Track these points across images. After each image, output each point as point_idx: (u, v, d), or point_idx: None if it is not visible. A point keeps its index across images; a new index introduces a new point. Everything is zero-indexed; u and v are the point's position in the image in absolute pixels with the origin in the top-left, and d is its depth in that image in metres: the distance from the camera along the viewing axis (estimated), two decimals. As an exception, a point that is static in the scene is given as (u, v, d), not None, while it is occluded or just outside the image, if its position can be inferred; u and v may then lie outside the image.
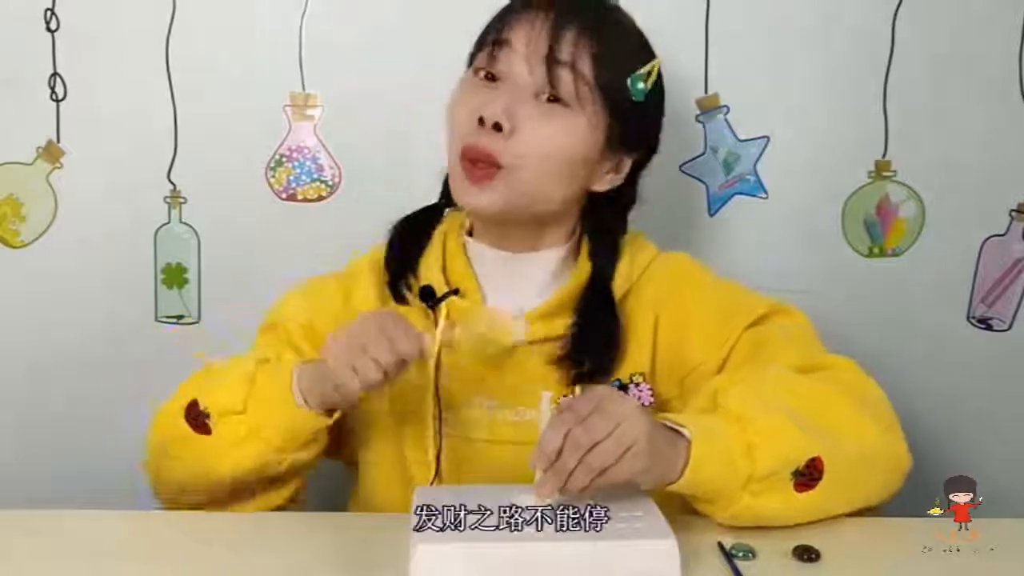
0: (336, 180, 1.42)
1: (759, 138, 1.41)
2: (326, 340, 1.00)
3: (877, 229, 1.44)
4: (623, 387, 1.09)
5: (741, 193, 1.43)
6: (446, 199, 1.14)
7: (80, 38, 1.37)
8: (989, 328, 1.46)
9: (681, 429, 0.92)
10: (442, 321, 1.05)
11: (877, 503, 1.02)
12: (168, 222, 1.42)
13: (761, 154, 1.41)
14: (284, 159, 1.41)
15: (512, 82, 1.04)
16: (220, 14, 1.38)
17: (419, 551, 0.83)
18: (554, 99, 1.04)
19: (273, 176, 1.42)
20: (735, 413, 0.95)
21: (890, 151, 1.41)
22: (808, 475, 0.94)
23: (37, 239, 1.42)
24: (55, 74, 1.38)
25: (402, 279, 1.12)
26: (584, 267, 1.10)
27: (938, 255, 1.43)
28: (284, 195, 1.42)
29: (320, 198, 1.42)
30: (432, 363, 1.07)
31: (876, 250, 1.45)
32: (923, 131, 1.40)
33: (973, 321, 1.46)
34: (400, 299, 1.12)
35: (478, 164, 1.03)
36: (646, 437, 0.88)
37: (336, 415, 1.02)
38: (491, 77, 1.06)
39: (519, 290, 1.10)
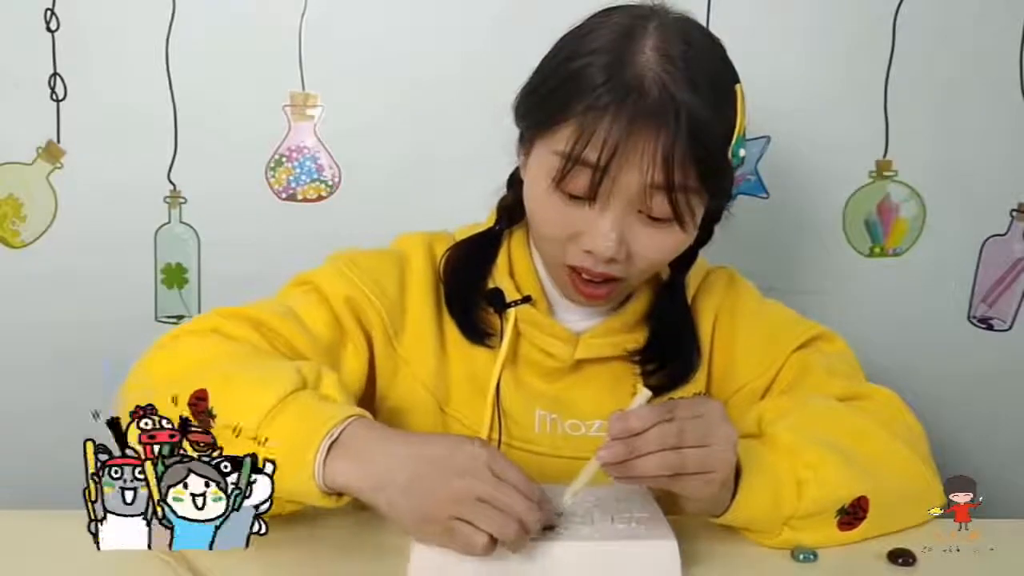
0: (336, 180, 1.42)
1: (759, 138, 1.41)
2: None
3: (878, 229, 1.44)
4: None
5: (742, 193, 1.43)
6: (505, 222, 1.08)
7: (80, 38, 1.37)
8: (990, 328, 1.46)
9: None
10: (507, 334, 1.03)
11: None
12: (168, 222, 1.42)
13: (762, 154, 1.41)
14: (284, 159, 1.41)
15: (611, 203, 0.93)
16: (220, 14, 1.38)
17: (418, 551, 0.83)
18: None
19: (273, 176, 1.42)
20: (785, 445, 0.94)
21: (890, 151, 1.41)
22: (853, 514, 0.93)
23: (37, 239, 1.42)
24: (55, 74, 1.38)
25: (468, 293, 1.06)
26: (654, 283, 1.08)
27: (938, 255, 1.44)
28: (284, 195, 1.42)
29: (320, 198, 1.42)
30: (495, 375, 1.04)
31: (877, 250, 1.45)
32: (923, 131, 1.40)
33: (974, 321, 1.46)
34: (457, 311, 1.07)
35: (592, 282, 0.98)
36: (728, 471, 0.86)
37: (346, 499, 0.86)
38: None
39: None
